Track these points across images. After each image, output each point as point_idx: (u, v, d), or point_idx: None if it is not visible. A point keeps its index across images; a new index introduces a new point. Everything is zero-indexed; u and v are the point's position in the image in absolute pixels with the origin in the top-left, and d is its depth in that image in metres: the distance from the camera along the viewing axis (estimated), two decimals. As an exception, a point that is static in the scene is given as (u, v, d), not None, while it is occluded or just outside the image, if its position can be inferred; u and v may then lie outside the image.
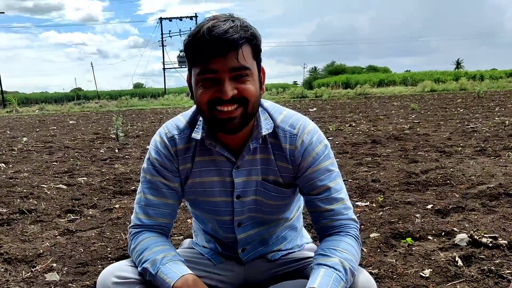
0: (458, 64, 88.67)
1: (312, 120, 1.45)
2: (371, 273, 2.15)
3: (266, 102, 1.42)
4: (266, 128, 1.35)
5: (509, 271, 2.15)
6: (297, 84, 76.51)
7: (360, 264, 2.30)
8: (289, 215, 1.59)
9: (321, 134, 1.42)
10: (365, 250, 2.54)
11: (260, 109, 1.37)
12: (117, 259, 2.55)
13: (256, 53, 1.27)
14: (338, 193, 1.37)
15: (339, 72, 64.66)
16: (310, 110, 16.12)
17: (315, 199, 1.38)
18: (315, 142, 1.38)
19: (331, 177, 1.38)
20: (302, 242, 1.69)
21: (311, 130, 1.39)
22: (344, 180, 4.36)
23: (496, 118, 9.62)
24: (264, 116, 1.38)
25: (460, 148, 5.94)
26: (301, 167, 1.38)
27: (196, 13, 51.74)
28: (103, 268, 1.39)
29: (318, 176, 1.37)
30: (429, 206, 3.27)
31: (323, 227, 1.39)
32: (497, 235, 2.56)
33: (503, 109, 12.03)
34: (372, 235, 2.76)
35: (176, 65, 54.06)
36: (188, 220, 3.27)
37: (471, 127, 8.21)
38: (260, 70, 1.31)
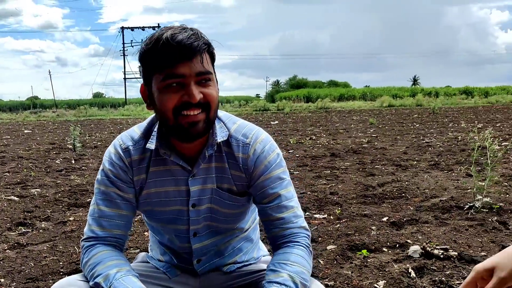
0: (415, 81, 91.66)
1: (273, 133, 1.49)
2: (326, 285, 2.18)
3: (221, 112, 1.45)
4: (221, 135, 1.38)
5: (459, 282, 2.22)
6: (259, 97, 76.99)
7: (316, 276, 2.32)
8: (244, 225, 1.59)
9: (274, 143, 1.45)
10: (321, 262, 2.56)
11: None
12: (69, 274, 2.47)
13: (213, 61, 1.32)
14: (288, 201, 1.40)
15: (301, 86, 65.47)
16: (272, 123, 16.25)
17: (267, 208, 1.40)
18: (267, 151, 1.41)
19: (282, 185, 1.40)
20: (259, 254, 1.70)
21: (264, 140, 1.42)
22: (302, 193, 4.41)
23: (450, 134, 9.99)
24: (219, 124, 1.41)
25: (415, 162, 6.13)
26: (254, 175, 1.40)
27: (158, 24, 51.44)
28: (54, 283, 1.34)
29: (270, 184, 1.39)
30: (385, 219, 3.34)
31: (274, 236, 1.40)
32: (448, 246, 2.65)
33: (456, 125, 12.51)
34: (329, 247, 2.79)
35: (138, 75, 53.29)
36: (146, 233, 3.21)
37: (426, 142, 8.50)
38: (216, 77, 1.34)
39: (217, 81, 1.34)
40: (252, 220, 1.65)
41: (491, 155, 3.52)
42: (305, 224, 1.42)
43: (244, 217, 1.57)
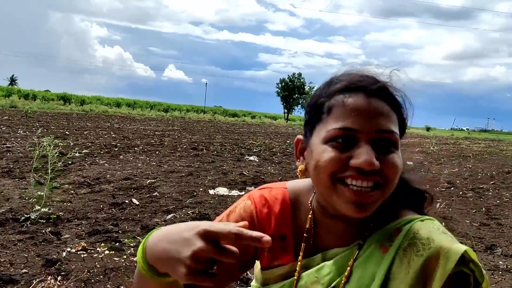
0: (13, 81, 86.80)
1: None
2: None
3: None
4: None
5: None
6: None
7: None
8: None
9: None
10: None
11: None
12: None
13: None
14: None
15: None
16: None
17: None
18: None
19: None
20: None
21: None
22: None
23: (35, 139, 9.62)
24: None
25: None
26: None
27: None
28: None
29: None
30: None
31: None
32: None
33: (45, 130, 12.25)
34: None
35: None
36: None
37: (7, 147, 7.87)
38: None
39: None
40: None
41: (52, 163, 3.44)
42: None
43: None
